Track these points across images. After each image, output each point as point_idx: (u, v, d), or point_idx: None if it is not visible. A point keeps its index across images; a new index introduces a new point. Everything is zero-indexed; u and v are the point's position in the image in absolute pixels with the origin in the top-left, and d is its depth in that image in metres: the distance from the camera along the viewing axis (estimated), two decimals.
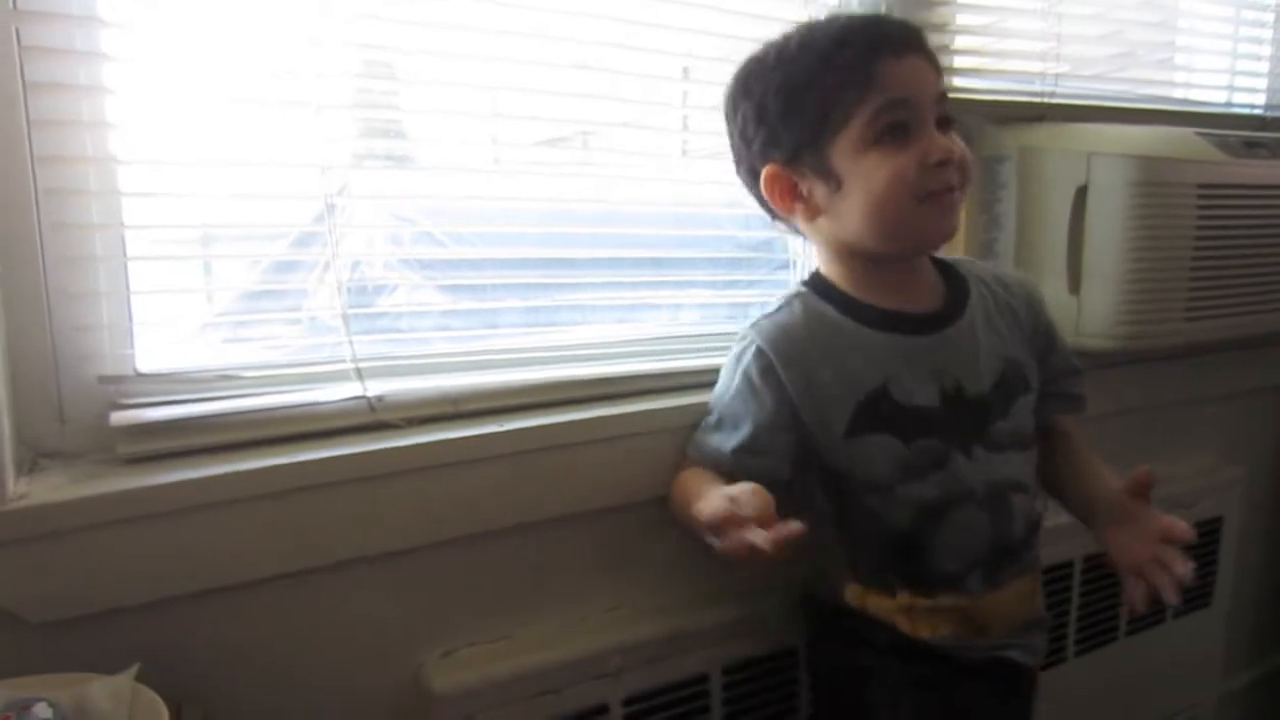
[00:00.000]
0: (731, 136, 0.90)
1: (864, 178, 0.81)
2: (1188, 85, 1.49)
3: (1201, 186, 1.16)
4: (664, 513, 0.92)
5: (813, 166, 0.83)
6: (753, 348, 0.86)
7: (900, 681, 0.87)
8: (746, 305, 1.14)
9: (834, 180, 0.83)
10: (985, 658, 0.88)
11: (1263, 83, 1.54)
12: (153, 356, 0.80)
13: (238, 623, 0.78)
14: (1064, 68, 1.24)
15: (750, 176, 0.89)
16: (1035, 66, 1.23)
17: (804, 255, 1.13)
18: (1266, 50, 1.54)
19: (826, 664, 0.96)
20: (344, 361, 0.85)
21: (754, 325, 0.88)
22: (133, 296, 0.78)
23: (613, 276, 1.03)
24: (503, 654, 0.88)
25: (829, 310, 0.87)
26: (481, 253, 0.98)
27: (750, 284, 1.15)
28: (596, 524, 0.93)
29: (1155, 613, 1.38)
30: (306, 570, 0.80)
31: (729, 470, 0.85)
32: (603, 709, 0.91)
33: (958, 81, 1.17)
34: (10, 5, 0.70)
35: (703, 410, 0.92)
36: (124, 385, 0.78)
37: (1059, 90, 1.23)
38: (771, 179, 0.86)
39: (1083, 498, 0.93)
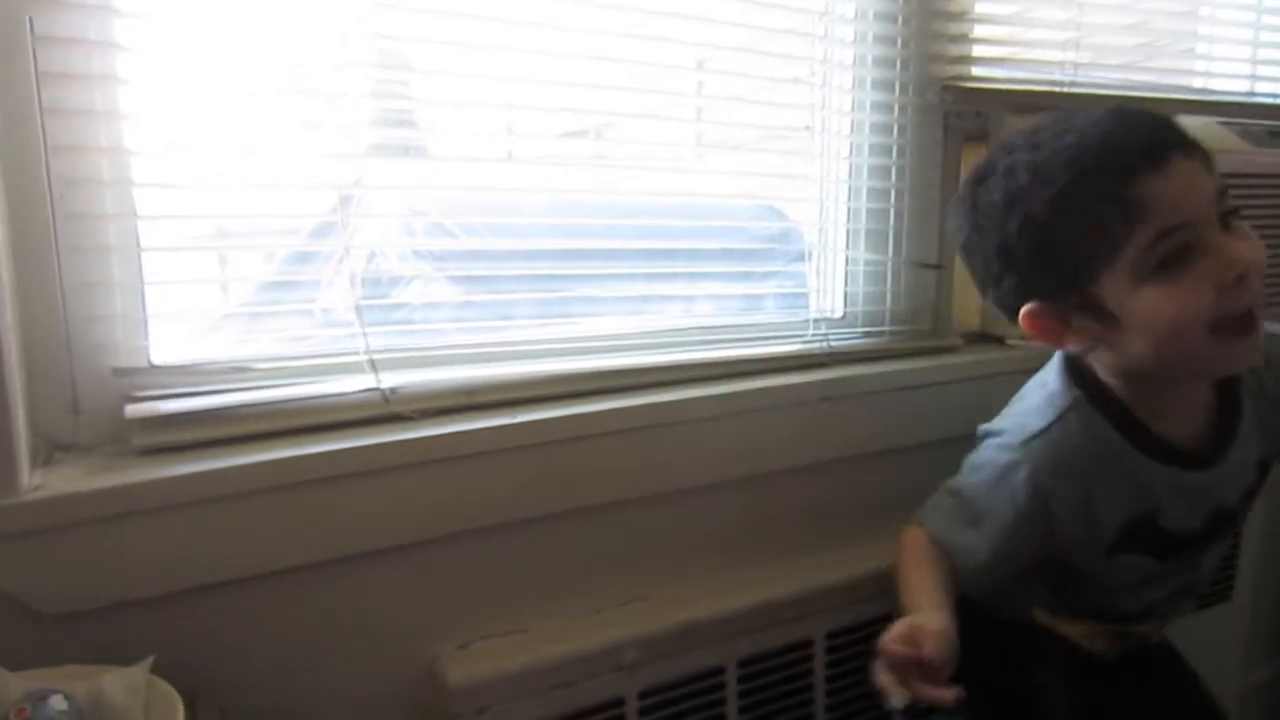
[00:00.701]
0: (971, 263, 0.85)
1: (1145, 315, 0.72)
2: (1209, 74, 1.46)
3: (1225, 176, 1.14)
4: (679, 505, 0.91)
5: (1079, 305, 0.76)
6: (1024, 472, 0.82)
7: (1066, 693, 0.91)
8: (761, 297, 1.13)
9: (1108, 317, 0.75)
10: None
11: None
12: (167, 348, 0.80)
13: (252, 616, 0.78)
14: (1085, 57, 1.23)
15: (1002, 309, 0.83)
16: (1056, 56, 1.21)
17: (820, 247, 1.13)
18: None
19: (994, 678, 0.89)
20: (358, 354, 0.85)
21: (1026, 444, 0.82)
22: (147, 288, 0.78)
23: (627, 268, 1.03)
24: (517, 647, 0.88)
25: (1108, 429, 0.81)
26: (495, 244, 0.97)
27: (765, 276, 1.14)
28: (612, 516, 0.93)
29: None
30: (320, 563, 0.79)
31: (969, 573, 0.86)
32: (618, 702, 0.90)
33: (976, 70, 1.15)
34: None
35: (728, 403, 0.93)
36: (138, 377, 0.78)
37: (1080, 80, 1.22)
38: (1032, 318, 0.79)
39: None
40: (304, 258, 0.91)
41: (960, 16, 1.13)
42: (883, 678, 0.71)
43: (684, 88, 1.06)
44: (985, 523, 0.85)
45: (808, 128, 1.09)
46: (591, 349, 0.97)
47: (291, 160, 0.84)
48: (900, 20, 1.10)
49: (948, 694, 0.68)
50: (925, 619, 0.74)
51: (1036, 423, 0.83)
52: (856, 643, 1.05)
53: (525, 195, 0.97)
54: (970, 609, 0.83)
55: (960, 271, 1.21)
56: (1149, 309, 0.71)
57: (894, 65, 1.11)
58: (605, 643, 0.90)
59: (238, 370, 0.81)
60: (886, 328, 1.15)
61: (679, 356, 1.00)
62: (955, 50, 1.14)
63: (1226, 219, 0.72)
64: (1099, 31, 1.24)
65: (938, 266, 1.17)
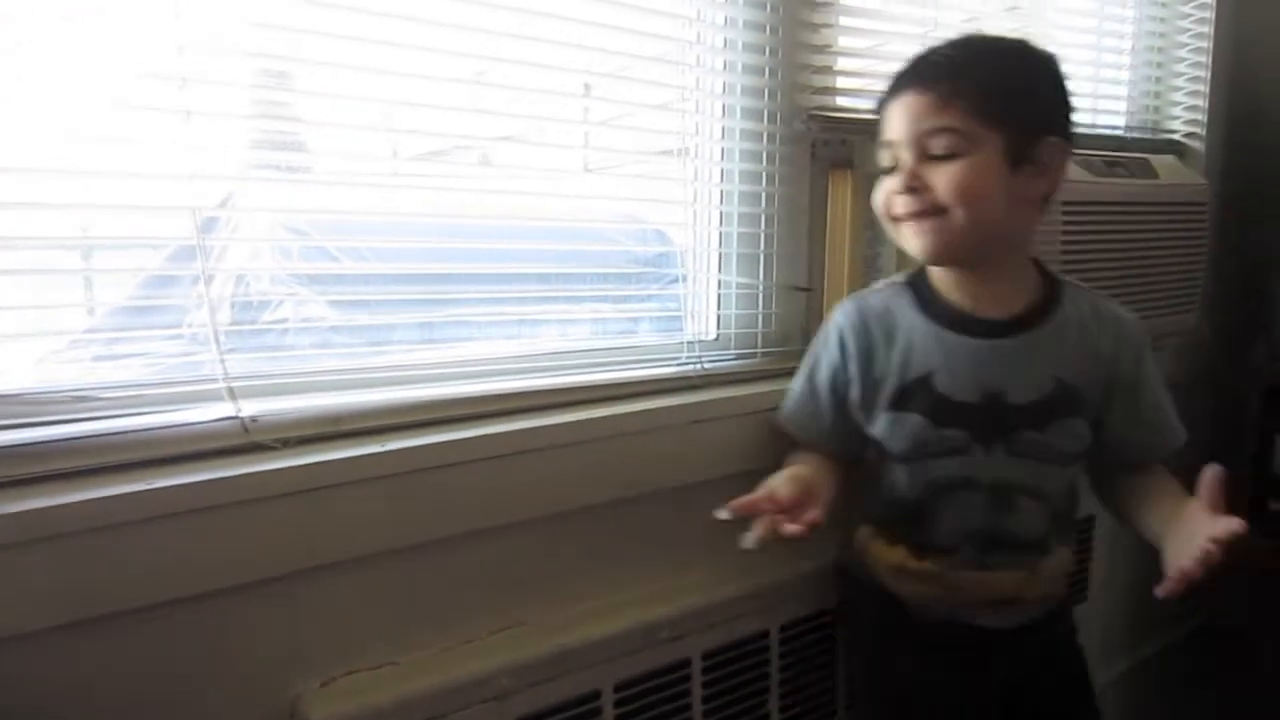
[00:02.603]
0: None
1: None
2: None
3: (1066, 204, 1.23)
4: (553, 529, 0.91)
5: None
6: (832, 322, 1.03)
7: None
8: (637, 320, 1.14)
9: None
10: (952, 620, 1.00)
11: (1122, 105, 1.64)
12: (7, 377, 0.75)
13: (99, 658, 0.73)
14: None
15: None
16: None
17: (694, 270, 1.15)
18: (1125, 74, 1.63)
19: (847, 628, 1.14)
20: (216, 380, 0.82)
21: (842, 304, 1.03)
22: None
23: (505, 291, 1.02)
24: (385, 681, 0.85)
25: (904, 302, 0.99)
26: (371, 267, 0.96)
27: (644, 298, 1.15)
28: (483, 544, 0.92)
29: None
30: (173, 601, 0.75)
31: (792, 412, 1.05)
32: None
33: (841, 100, 1.20)
34: None
35: (599, 427, 0.95)
36: None
37: None
38: None
39: (1151, 528, 0.96)
40: (164, 281, 0.87)
41: (824, 49, 1.18)
42: (723, 514, 0.83)
43: (565, 112, 1.06)
44: (804, 367, 1.05)
45: (681, 152, 1.11)
46: (467, 374, 0.95)
47: (153, 180, 0.80)
48: (767, 51, 1.13)
49: (795, 527, 0.83)
50: (768, 482, 0.90)
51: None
52: (733, 660, 1.07)
53: (407, 218, 0.96)
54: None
55: (829, 293, 1.25)
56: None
57: (763, 94, 1.14)
58: (478, 672, 0.88)
59: (80, 400, 0.77)
60: (759, 349, 1.17)
61: (555, 380, 1.00)
62: (820, 81, 1.18)
63: (929, 154, 0.89)
64: None
65: (808, 289, 1.21)
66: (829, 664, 1.17)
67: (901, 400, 0.97)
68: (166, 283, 0.87)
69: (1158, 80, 1.68)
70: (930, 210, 0.89)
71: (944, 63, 0.90)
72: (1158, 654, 1.84)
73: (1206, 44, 1.66)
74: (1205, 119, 1.68)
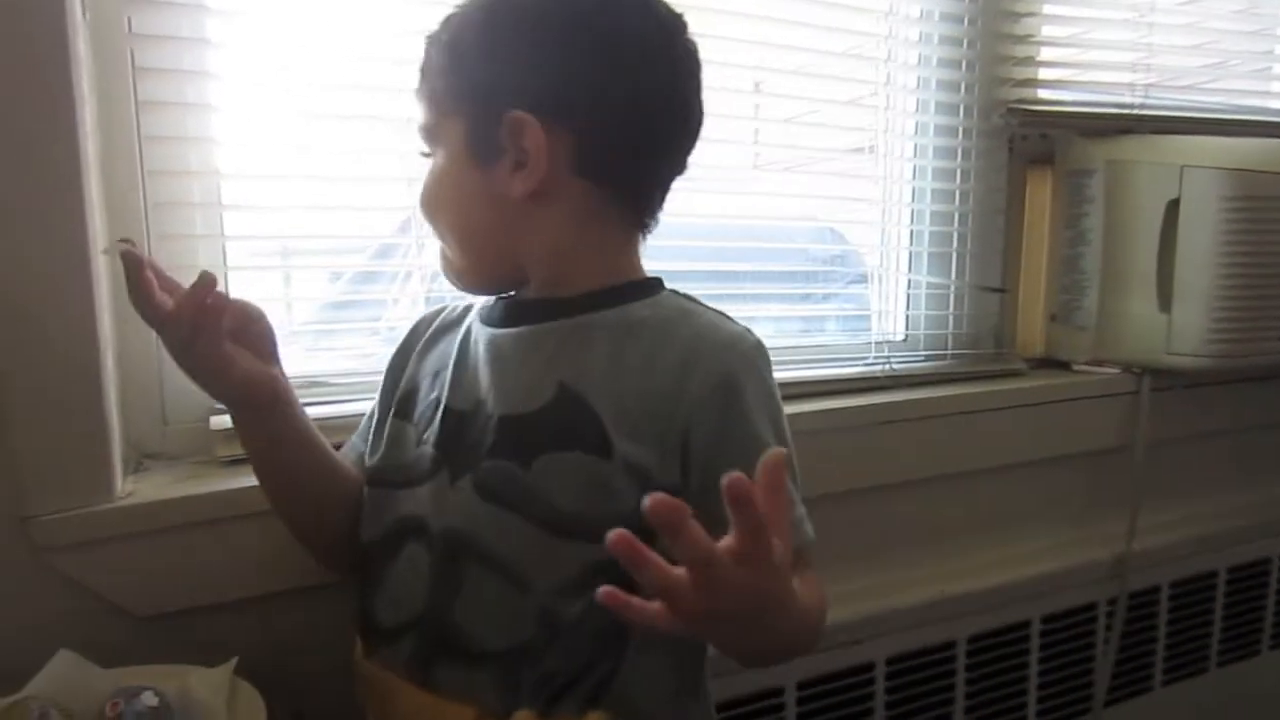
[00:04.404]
0: None
1: None
2: None
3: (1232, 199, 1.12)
4: None
5: None
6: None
7: None
8: (821, 319, 1.14)
9: None
10: None
11: None
12: None
13: (323, 621, 0.80)
14: (1153, 78, 1.21)
15: None
16: (1124, 78, 1.20)
17: (881, 269, 1.13)
18: None
19: None
20: None
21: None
22: None
23: (686, 290, 1.03)
24: None
25: (474, 307, 0.72)
26: None
27: (824, 298, 1.14)
28: None
29: (1247, 644, 1.34)
30: None
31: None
32: None
33: (1042, 93, 1.15)
34: (126, 28, 0.74)
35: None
36: None
37: (1149, 102, 1.20)
38: None
39: None
40: (373, 277, 0.95)
41: (1026, 39, 1.13)
42: None
43: (741, 110, 1.07)
44: None
45: (870, 150, 1.10)
46: None
47: (364, 184, 0.87)
48: (965, 43, 1.10)
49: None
50: None
51: None
52: (920, 667, 1.05)
53: None
54: None
55: (1025, 295, 1.21)
56: None
57: (959, 88, 1.11)
58: None
59: (313, 384, 0.84)
60: (949, 351, 1.14)
61: None
62: (1021, 73, 1.13)
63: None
64: (1167, 52, 1.23)
65: (1002, 290, 1.16)
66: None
67: (403, 406, 0.70)
68: (369, 280, 0.94)
69: None
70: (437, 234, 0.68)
71: (432, 35, 0.65)
72: None
73: None
74: None
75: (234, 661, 0.66)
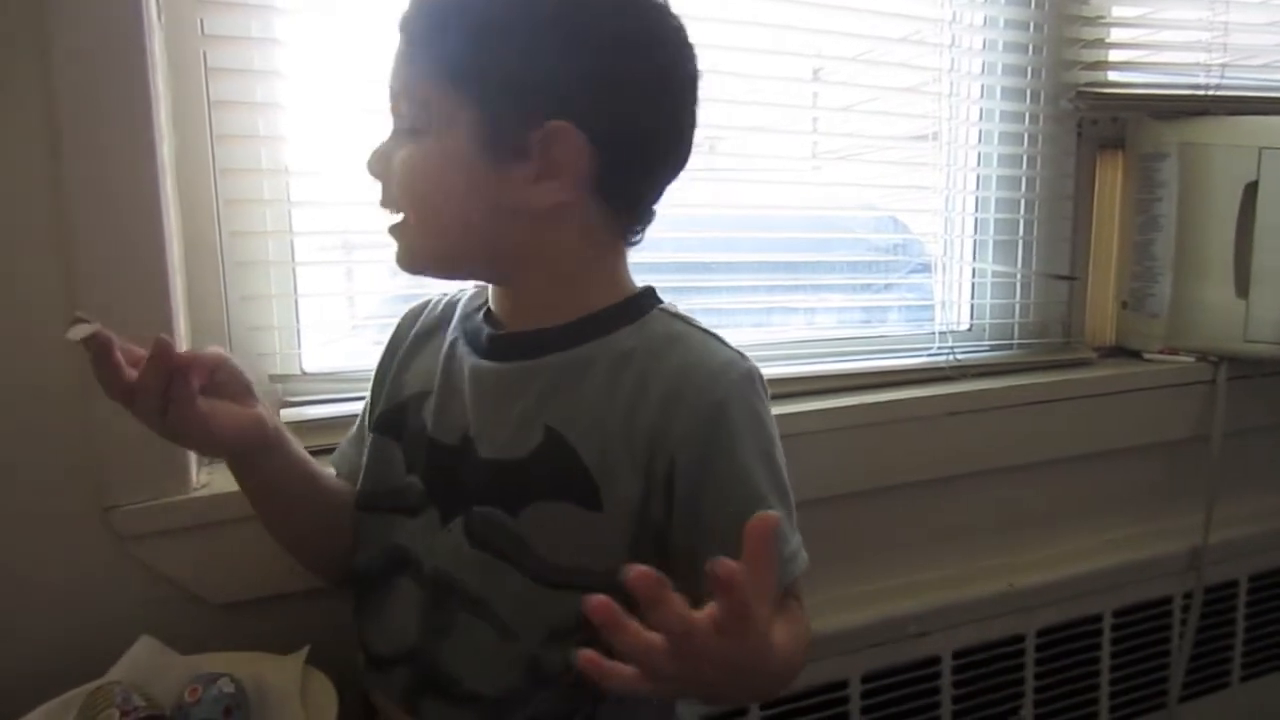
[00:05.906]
0: None
1: None
2: None
3: None
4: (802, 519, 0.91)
5: None
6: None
7: None
8: (884, 309, 1.12)
9: None
10: None
11: None
12: (315, 356, 0.85)
13: None
14: (1228, 58, 1.17)
15: None
16: (1198, 58, 1.16)
17: (945, 259, 1.11)
18: None
19: None
20: None
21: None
22: (300, 300, 0.83)
23: (748, 281, 1.03)
24: None
25: (474, 300, 0.70)
26: None
27: (886, 287, 1.13)
28: None
29: (1273, 656, 1.28)
30: None
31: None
32: None
33: (1112, 75, 1.12)
34: (199, 31, 0.75)
35: (848, 415, 0.93)
36: (291, 383, 0.83)
37: (1224, 82, 1.16)
38: None
39: None
40: None
41: (1095, 20, 1.10)
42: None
43: (799, 99, 1.06)
44: None
45: (934, 137, 1.08)
46: None
47: None
48: (1032, 26, 1.07)
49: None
50: None
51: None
52: (988, 661, 1.03)
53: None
54: None
55: (1095, 283, 1.17)
56: None
57: (1025, 73, 1.08)
58: None
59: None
60: (1015, 341, 1.12)
61: (801, 369, 0.99)
62: (1090, 55, 1.10)
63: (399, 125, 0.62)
64: (1242, 30, 1.19)
65: (1071, 278, 1.13)
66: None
67: (390, 422, 0.68)
68: None
69: None
70: (391, 204, 0.61)
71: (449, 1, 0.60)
72: None
73: None
74: None
75: (305, 650, 0.68)
